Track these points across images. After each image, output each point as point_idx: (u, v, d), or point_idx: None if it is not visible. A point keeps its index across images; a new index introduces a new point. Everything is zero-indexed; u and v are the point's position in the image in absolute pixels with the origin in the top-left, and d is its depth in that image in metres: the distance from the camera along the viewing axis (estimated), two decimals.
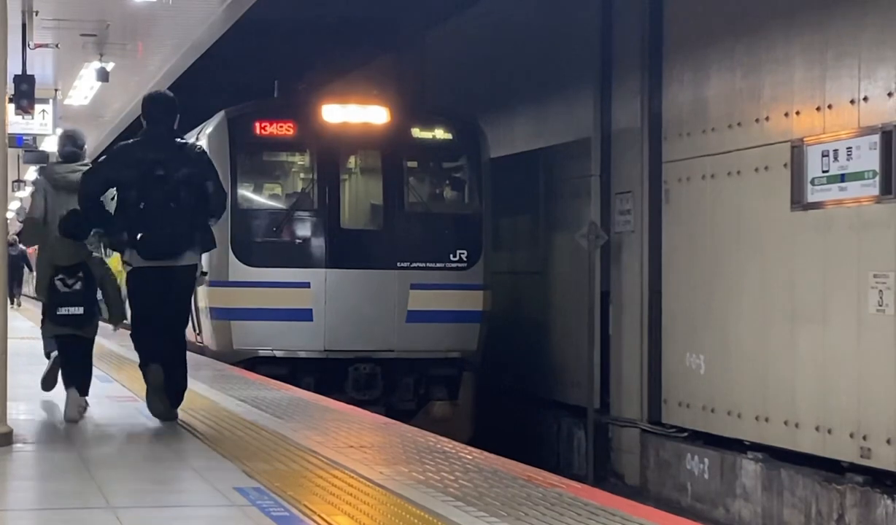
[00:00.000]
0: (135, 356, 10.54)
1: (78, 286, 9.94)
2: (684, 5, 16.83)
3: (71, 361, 10.32)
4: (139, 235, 9.77)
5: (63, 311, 9.98)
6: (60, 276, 9.94)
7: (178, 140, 10.14)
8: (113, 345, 16.59)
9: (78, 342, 10.23)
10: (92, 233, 10.11)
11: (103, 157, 10.45)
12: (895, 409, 12.70)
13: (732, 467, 15.32)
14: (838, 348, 13.50)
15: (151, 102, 10.20)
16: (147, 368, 10.03)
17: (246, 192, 18.00)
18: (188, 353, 10.50)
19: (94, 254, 10.31)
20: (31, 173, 32.78)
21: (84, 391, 10.32)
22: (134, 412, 11.08)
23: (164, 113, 10.08)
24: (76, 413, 10.19)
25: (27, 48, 18.04)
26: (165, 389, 9.98)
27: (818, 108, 13.91)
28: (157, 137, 10.01)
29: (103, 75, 20.35)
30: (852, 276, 13.29)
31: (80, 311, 9.98)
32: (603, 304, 18.26)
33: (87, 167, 10.27)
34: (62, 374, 10.54)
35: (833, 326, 13.60)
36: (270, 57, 26.79)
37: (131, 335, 10.32)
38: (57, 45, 19.21)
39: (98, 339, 10.64)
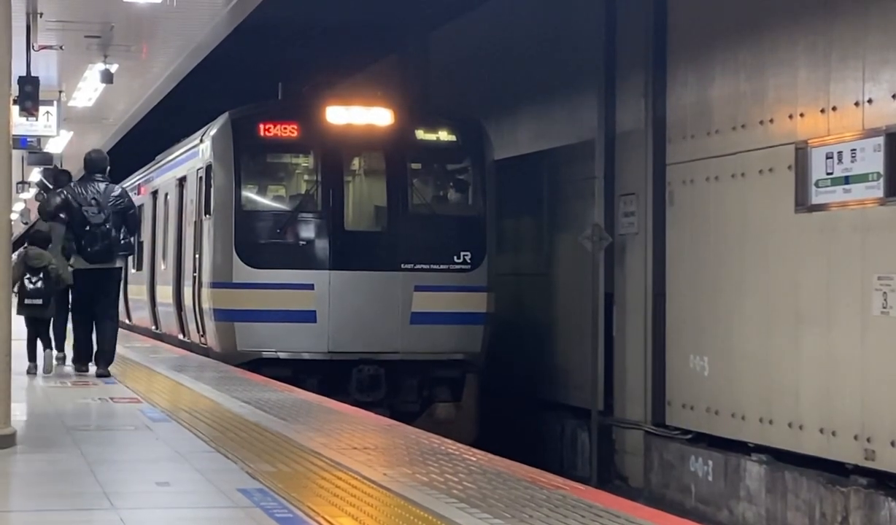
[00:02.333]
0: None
1: (39, 284, 14.30)
2: (688, 7, 16.82)
3: (37, 333, 14.83)
4: (87, 249, 14.04)
5: (28, 301, 14.38)
6: (28, 276, 14.25)
7: (109, 183, 14.39)
8: (119, 347, 16.56)
9: (40, 320, 14.75)
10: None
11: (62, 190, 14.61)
12: None
13: (736, 469, 15.31)
14: (842, 350, 13.49)
15: (90, 160, 14.57)
16: (81, 363, 14.60)
17: (250, 194, 18.00)
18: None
19: (52, 262, 14.33)
20: (36, 175, 32.78)
21: (59, 348, 15.35)
22: (137, 413, 11.10)
23: (99, 164, 14.53)
24: (51, 367, 14.69)
25: (31, 50, 17.98)
26: (98, 352, 14.44)
27: (822, 110, 13.90)
28: (94, 180, 14.32)
29: (107, 77, 20.28)
30: (856, 278, 13.27)
31: (39, 302, 14.39)
32: (607, 306, 18.25)
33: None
34: (29, 345, 14.84)
35: (837, 328, 13.58)
36: (274, 59, 26.78)
37: (71, 314, 14.88)
38: (61, 47, 19.17)
39: None
